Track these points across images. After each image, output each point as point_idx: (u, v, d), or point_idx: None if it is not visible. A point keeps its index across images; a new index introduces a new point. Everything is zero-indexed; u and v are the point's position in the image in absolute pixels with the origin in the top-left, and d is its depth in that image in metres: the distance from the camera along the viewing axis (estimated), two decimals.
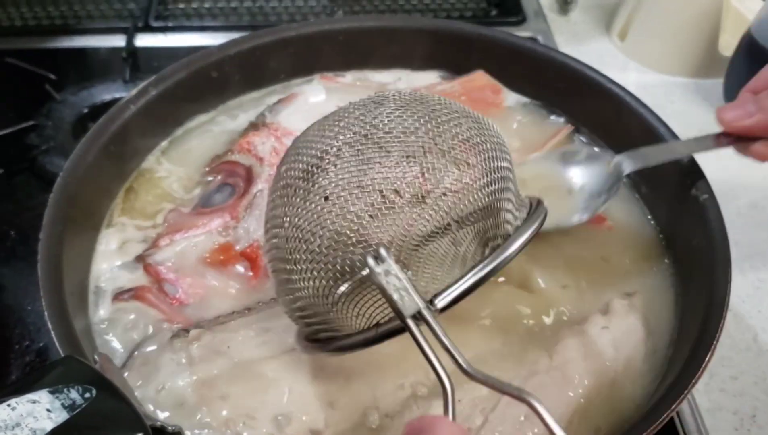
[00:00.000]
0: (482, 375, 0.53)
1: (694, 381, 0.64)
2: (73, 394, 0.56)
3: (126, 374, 0.71)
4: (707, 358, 0.65)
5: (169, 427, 0.60)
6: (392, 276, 0.54)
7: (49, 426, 0.53)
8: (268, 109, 0.95)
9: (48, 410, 0.54)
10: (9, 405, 0.54)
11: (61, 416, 0.54)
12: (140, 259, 0.80)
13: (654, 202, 0.90)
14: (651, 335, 0.76)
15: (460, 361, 0.53)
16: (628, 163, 0.82)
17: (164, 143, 0.94)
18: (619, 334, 0.74)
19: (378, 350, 0.67)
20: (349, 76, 1.04)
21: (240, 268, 0.81)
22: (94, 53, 1.24)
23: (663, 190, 0.88)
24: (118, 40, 1.24)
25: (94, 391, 0.57)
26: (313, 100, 0.96)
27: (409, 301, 0.54)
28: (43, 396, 0.55)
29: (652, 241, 0.87)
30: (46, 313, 0.66)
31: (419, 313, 0.54)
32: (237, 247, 0.82)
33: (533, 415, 0.63)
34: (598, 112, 0.97)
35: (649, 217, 0.90)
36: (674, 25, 1.27)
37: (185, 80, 0.92)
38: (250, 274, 0.80)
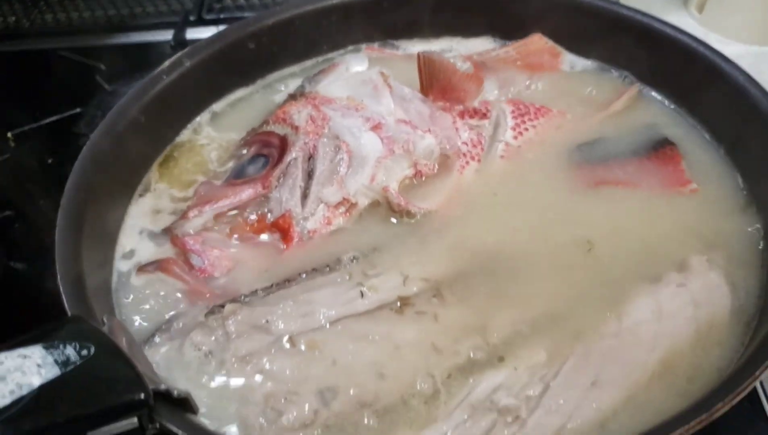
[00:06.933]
0: None
1: None
2: (69, 351, 0.51)
3: (148, 349, 0.66)
4: None
5: (175, 392, 0.55)
6: None
7: (37, 382, 0.49)
8: (308, 80, 0.90)
9: (38, 365, 0.49)
10: None
11: (52, 372, 0.49)
12: (167, 230, 0.76)
13: (742, 161, 0.81)
14: (736, 291, 0.67)
15: None
16: None
17: (200, 118, 0.90)
18: (699, 291, 0.66)
19: (431, 312, 0.66)
20: (398, 48, 0.99)
21: (271, 239, 0.76)
22: (145, 47, 1.24)
23: (752, 148, 0.79)
24: (170, 35, 1.23)
25: (92, 350, 0.52)
26: (354, 68, 0.91)
27: None
28: (35, 351, 0.50)
29: (736, 198, 0.78)
30: (58, 275, 0.62)
31: None
32: (268, 218, 0.76)
33: (603, 382, 0.59)
34: (674, 71, 0.88)
35: (738, 178, 0.80)
36: None
37: (221, 52, 0.89)
38: (282, 245, 0.75)
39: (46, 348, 0.51)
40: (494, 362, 0.63)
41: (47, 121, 1.06)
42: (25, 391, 0.48)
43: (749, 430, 0.72)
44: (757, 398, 0.73)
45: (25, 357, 0.50)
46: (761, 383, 0.74)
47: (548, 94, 0.91)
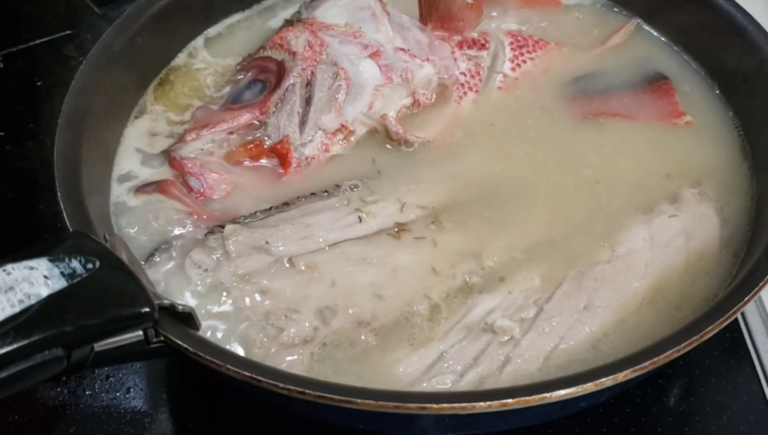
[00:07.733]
0: None
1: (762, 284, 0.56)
2: (75, 264, 0.52)
3: (147, 268, 0.67)
4: None
5: (179, 307, 0.56)
6: None
7: (45, 292, 0.49)
8: (305, 6, 0.89)
9: (45, 277, 0.50)
10: (4, 270, 0.49)
11: (59, 284, 0.50)
12: (165, 153, 0.76)
13: (735, 98, 0.82)
14: (726, 223, 0.69)
15: None
16: None
17: (196, 42, 0.88)
18: (690, 222, 0.68)
19: (429, 238, 0.67)
20: None
21: (269, 164, 0.76)
22: None
23: (745, 86, 0.80)
24: None
25: (97, 263, 0.53)
26: None
27: None
28: (41, 263, 0.51)
29: (728, 133, 0.79)
30: (59, 193, 0.62)
31: None
32: (266, 143, 0.76)
33: (595, 305, 0.60)
34: (670, 7, 0.88)
35: (731, 114, 0.81)
36: None
37: None
38: (281, 171, 0.75)
39: (51, 261, 0.51)
40: (490, 286, 0.65)
41: (36, 42, 1.04)
42: (33, 301, 0.49)
43: (731, 371, 0.74)
44: (742, 340, 0.75)
45: (31, 268, 0.50)
46: (747, 326, 0.76)
47: (547, 27, 0.91)
